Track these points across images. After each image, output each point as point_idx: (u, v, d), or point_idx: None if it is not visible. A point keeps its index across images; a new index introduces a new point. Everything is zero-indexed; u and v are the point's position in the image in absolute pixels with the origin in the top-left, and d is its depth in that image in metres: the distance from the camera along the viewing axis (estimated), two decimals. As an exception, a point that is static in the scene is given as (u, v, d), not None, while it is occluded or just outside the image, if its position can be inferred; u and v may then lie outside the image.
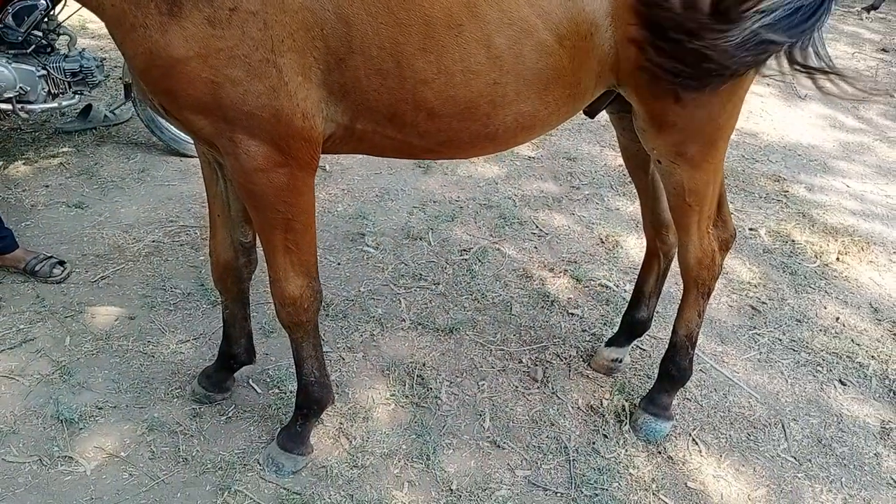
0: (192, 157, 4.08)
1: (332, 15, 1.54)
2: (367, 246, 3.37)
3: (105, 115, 4.32)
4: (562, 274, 3.25)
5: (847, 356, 2.84)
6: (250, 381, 2.49)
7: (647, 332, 2.66)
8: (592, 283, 3.21)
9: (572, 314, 3.00)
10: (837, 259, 3.51)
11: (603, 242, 3.55)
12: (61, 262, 2.95)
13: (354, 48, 1.57)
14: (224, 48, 1.52)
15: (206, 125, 1.65)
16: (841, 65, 6.41)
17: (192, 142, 4.02)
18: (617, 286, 3.20)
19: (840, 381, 2.71)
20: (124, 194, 3.66)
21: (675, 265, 2.35)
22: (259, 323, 2.73)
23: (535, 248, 3.46)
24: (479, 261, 3.30)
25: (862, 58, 7.29)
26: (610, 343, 2.67)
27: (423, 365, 2.62)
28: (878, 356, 2.85)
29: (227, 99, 1.58)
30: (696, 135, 1.87)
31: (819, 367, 2.77)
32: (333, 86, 1.63)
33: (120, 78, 4.32)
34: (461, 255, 3.34)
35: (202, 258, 3.16)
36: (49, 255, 2.97)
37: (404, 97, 1.66)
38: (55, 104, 3.79)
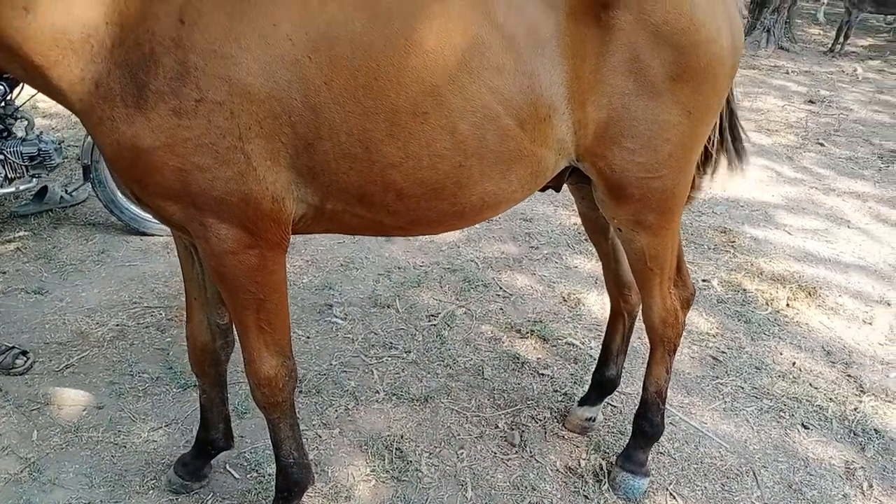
0: (152, 235, 4.06)
1: (300, 104, 1.60)
2: (336, 317, 3.39)
3: (61, 196, 4.28)
4: (529, 334, 3.33)
5: (807, 400, 2.96)
6: (227, 467, 2.45)
7: (616, 389, 2.73)
8: (559, 341, 3.29)
9: (543, 374, 3.05)
10: (787, 305, 3.68)
11: (565, 300, 3.65)
12: (24, 352, 2.88)
13: (323, 134, 1.64)
14: (191, 137, 1.57)
15: (177, 211, 1.69)
16: (774, 117, 6.78)
17: (154, 221, 4.05)
18: (583, 344, 3.28)
19: (803, 424, 2.82)
20: (85, 277, 3.61)
21: (639, 321, 2.45)
22: (232, 404, 2.70)
23: (501, 309, 3.54)
24: (448, 325, 3.35)
25: (792, 110, 7.77)
26: (582, 402, 2.73)
27: (401, 437, 2.63)
28: (836, 398, 2.98)
29: (195, 185, 1.62)
30: (654, 205, 1.99)
31: (782, 413, 2.88)
32: (302, 169, 1.69)
33: (77, 158, 4.30)
34: (430, 321, 3.39)
35: (168, 340, 3.13)
36: (10, 345, 2.90)
37: (373, 179, 1.72)
38: (12, 188, 3.76)
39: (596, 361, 2.73)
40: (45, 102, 5.67)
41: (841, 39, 11.46)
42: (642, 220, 2.02)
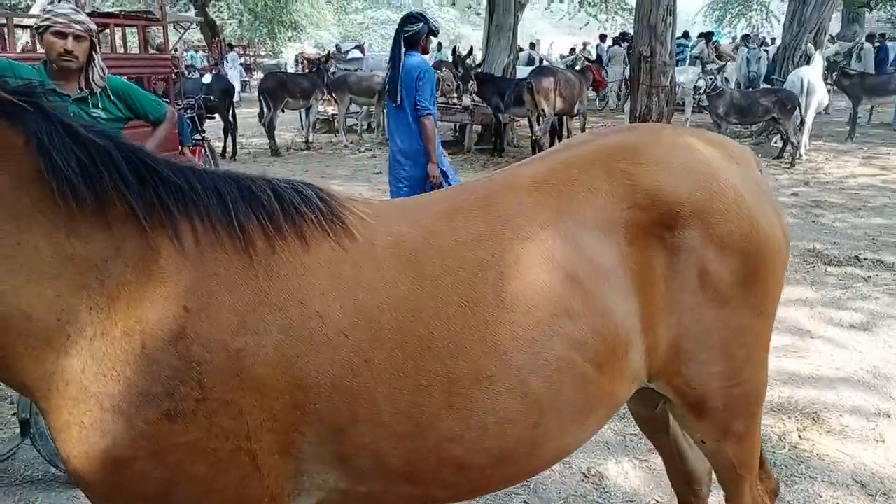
0: (107, 483, 3.53)
1: (329, 389, 1.37)
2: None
3: (-15, 455, 3.68)
4: (564, 527, 3.05)
5: (871, 549, 2.83)
6: None
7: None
8: (600, 530, 3.03)
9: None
10: (800, 437, 3.63)
11: (587, 477, 3.42)
12: None
13: (360, 418, 1.40)
14: (185, 443, 1.30)
15: None
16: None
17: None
18: (625, 528, 3.03)
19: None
20: (36, 559, 3.02)
21: None
22: None
23: (526, 502, 3.25)
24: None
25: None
26: None
27: None
28: (896, 540, 2.87)
29: (182, 497, 1.34)
30: (740, 411, 1.86)
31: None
32: (326, 456, 1.42)
33: (14, 414, 3.76)
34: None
35: None
36: None
37: (426, 456, 1.48)
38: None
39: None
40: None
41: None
42: (729, 430, 1.87)
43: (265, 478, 1.37)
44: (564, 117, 11.89)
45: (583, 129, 12.53)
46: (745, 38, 23.95)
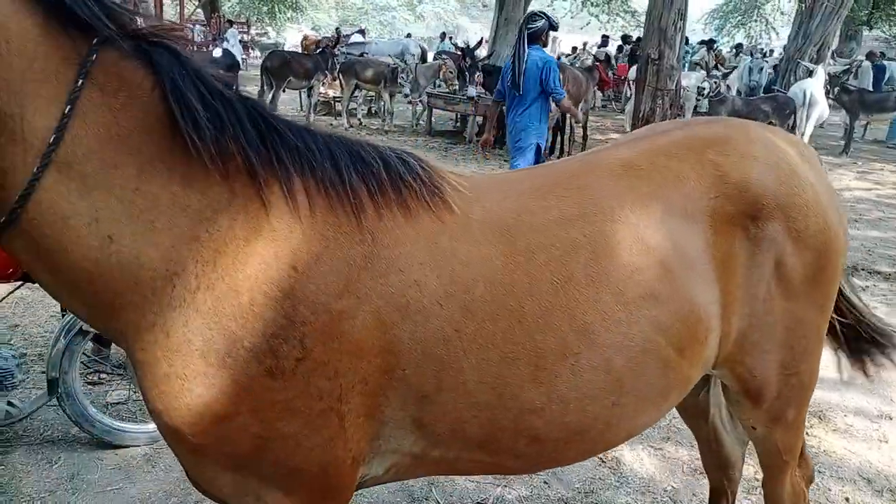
0: (129, 446, 3.55)
1: (419, 355, 1.40)
2: (376, 522, 3.05)
3: (7, 411, 3.68)
4: (584, 508, 3.14)
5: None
6: None
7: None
8: (619, 513, 3.12)
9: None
10: (807, 434, 3.75)
11: (604, 462, 3.51)
12: None
13: (445, 386, 1.43)
14: (282, 400, 1.31)
15: (229, 483, 1.40)
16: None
17: (132, 429, 3.56)
18: (644, 511, 3.13)
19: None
20: (62, 515, 3.05)
21: None
22: None
23: (546, 482, 3.34)
24: (499, 512, 3.10)
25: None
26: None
27: None
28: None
29: (271, 455, 1.36)
30: (793, 400, 1.94)
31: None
32: (406, 420, 1.46)
33: (42, 372, 3.76)
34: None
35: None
36: None
37: (504, 426, 1.52)
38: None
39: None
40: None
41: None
42: (781, 417, 1.96)
43: (350, 440, 1.40)
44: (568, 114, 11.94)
45: (584, 127, 12.62)
46: (738, 47, 24.18)
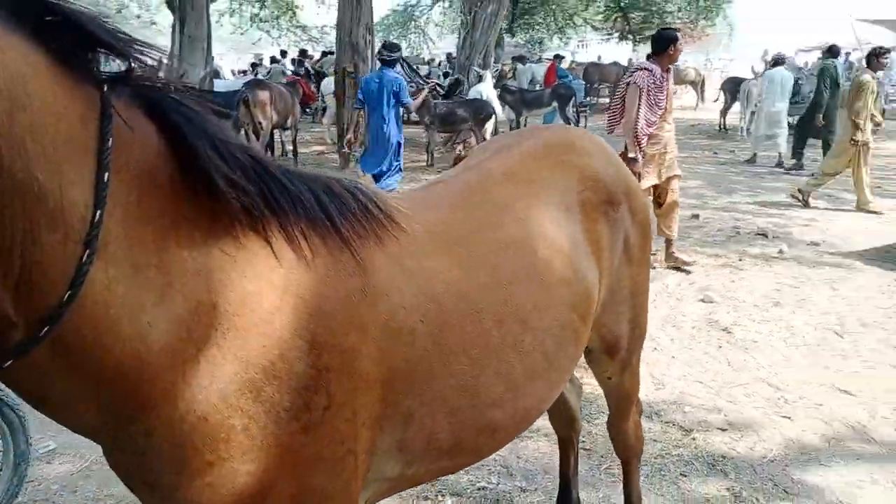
0: None
1: (409, 376, 1.45)
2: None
3: None
4: None
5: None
6: None
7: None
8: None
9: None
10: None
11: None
12: None
13: (426, 400, 1.50)
14: (313, 454, 1.28)
15: None
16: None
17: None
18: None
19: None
20: None
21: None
22: None
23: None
24: None
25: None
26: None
27: None
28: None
29: None
30: (635, 347, 2.37)
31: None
32: (392, 445, 1.50)
33: None
34: None
35: None
36: None
37: (469, 426, 1.63)
38: None
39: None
40: None
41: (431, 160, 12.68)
42: (628, 364, 2.37)
43: (359, 478, 1.38)
44: (277, 130, 11.92)
45: (294, 142, 12.67)
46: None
